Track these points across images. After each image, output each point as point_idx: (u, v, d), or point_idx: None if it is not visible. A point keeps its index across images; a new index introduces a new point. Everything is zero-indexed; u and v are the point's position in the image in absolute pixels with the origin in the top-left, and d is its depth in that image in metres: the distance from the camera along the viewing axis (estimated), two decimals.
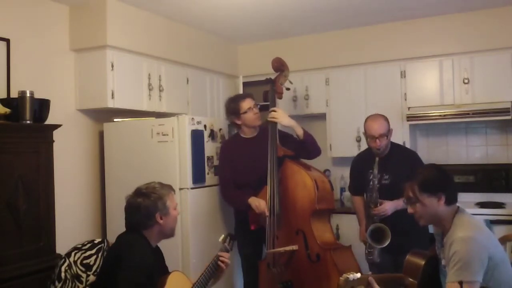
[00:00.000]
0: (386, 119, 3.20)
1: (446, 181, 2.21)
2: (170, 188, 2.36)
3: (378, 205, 3.04)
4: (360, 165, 3.33)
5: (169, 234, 2.34)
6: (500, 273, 2.01)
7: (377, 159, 3.09)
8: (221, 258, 2.43)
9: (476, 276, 1.95)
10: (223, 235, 2.61)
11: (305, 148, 3.33)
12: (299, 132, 3.31)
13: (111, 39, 3.43)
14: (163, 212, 2.25)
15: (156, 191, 2.28)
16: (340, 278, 1.93)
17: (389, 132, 3.16)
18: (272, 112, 3.32)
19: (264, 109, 3.45)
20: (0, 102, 2.82)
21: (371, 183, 3.09)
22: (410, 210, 2.24)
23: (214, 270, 2.41)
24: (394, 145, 3.27)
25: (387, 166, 3.12)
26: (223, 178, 3.47)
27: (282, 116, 3.32)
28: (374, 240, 3.02)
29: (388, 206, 3.03)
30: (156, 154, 3.47)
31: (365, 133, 3.21)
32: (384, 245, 2.98)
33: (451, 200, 2.17)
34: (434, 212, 2.17)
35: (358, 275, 1.94)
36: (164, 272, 2.37)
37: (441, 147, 4.38)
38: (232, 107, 3.45)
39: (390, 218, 3.02)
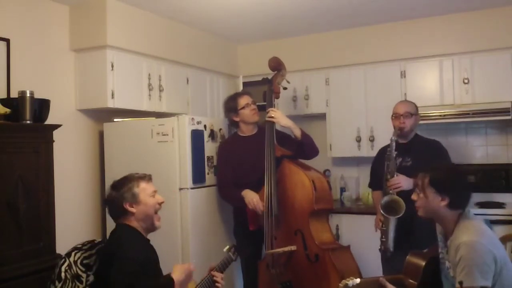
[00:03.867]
0: (415, 105, 3.31)
1: (456, 186, 2.18)
2: (142, 176, 2.36)
3: (395, 175, 3.02)
4: (381, 155, 3.30)
5: (147, 223, 2.30)
6: (504, 276, 2.00)
7: (398, 132, 3.12)
8: (215, 279, 2.42)
9: (480, 281, 1.94)
10: (228, 246, 2.63)
11: (303, 148, 3.33)
12: (297, 133, 3.31)
13: (111, 39, 3.43)
14: (132, 200, 2.27)
15: (124, 181, 2.32)
16: (339, 284, 1.92)
17: (415, 115, 3.23)
18: (270, 112, 3.32)
19: (263, 109, 3.44)
20: (0, 102, 2.82)
21: (388, 152, 3.08)
22: (413, 196, 2.25)
23: (209, 285, 2.42)
24: (417, 135, 3.31)
25: (409, 150, 3.14)
26: (221, 177, 3.48)
27: (280, 116, 3.32)
28: (388, 213, 2.96)
29: (403, 179, 2.99)
30: (156, 154, 3.47)
31: (392, 115, 3.25)
32: (398, 215, 2.92)
33: (456, 206, 2.15)
34: (434, 209, 2.17)
35: (358, 280, 1.92)
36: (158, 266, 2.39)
37: None
38: (230, 104, 3.48)
39: (409, 213, 2.90)
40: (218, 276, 2.43)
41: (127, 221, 2.30)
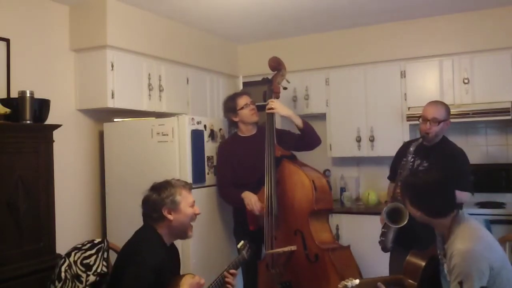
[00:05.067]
0: (446, 108, 3.10)
1: (426, 198, 2.10)
2: (184, 185, 2.33)
3: None
4: (404, 149, 3.18)
5: (181, 231, 2.29)
6: (502, 280, 1.99)
7: (420, 139, 3.01)
8: (227, 279, 2.41)
9: (478, 283, 1.92)
10: (242, 242, 2.59)
11: (305, 138, 3.33)
12: (298, 121, 3.31)
13: (111, 39, 3.43)
14: (172, 207, 2.23)
15: (167, 186, 2.27)
16: (338, 286, 1.92)
17: (443, 121, 3.04)
18: (270, 103, 3.31)
19: (263, 109, 3.44)
20: (0, 102, 2.82)
21: (403, 161, 3.00)
22: None
23: (220, 286, 2.41)
24: (446, 140, 3.14)
25: (430, 155, 3.03)
26: (223, 178, 3.48)
27: (279, 106, 3.32)
28: (390, 219, 2.92)
29: None
30: (156, 154, 3.47)
31: (420, 117, 3.12)
32: (398, 226, 2.88)
33: (435, 215, 2.11)
34: (415, 217, 2.17)
35: (357, 281, 1.92)
36: (176, 271, 2.37)
37: None
38: (229, 104, 3.49)
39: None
40: (230, 277, 2.41)
41: (156, 225, 2.25)
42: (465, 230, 2.07)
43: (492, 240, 2.11)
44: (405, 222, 2.86)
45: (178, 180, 2.36)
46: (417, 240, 2.80)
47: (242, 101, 3.43)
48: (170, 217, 2.23)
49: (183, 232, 2.31)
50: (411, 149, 2.99)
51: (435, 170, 2.21)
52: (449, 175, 2.20)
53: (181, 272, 2.44)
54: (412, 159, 3.06)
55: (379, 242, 3.07)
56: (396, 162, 3.30)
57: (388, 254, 3.13)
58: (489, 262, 1.96)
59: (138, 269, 2.08)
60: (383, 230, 3.02)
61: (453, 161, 3.03)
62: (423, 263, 2.19)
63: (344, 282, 1.93)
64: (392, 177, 3.38)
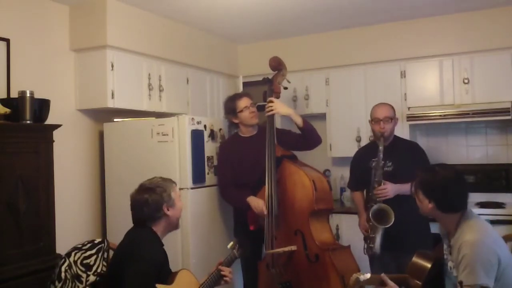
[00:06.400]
0: (392, 107, 3.29)
1: (441, 191, 2.13)
2: (171, 181, 2.42)
3: (382, 184, 3.03)
4: (362, 156, 3.33)
5: (175, 225, 2.39)
6: (507, 277, 1.99)
7: (382, 139, 3.10)
8: (222, 273, 2.44)
9: (482, 279, 1.93)
10: (232, 242, 2.61)
11: (305, 136, 3.33)
12: (298, 120, 3.30)
13: (111, 39, 3.43)
14: (170, 203, 2.31)
15: (160, 184, 2.34)
16: (351, 277, 1.92)
17: (394, 118, 3.22)
18: (269, 104, 3.30)
19: (264, 109, 3.44)
20: (0, 102, 2.82)
21: (375, 163, 3.08)
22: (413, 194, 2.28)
23: (217, 279, 2.43)
24: (396, 137, 3.32)
25: (390, 154, 3.13)
26: (223, 178, 3.48)
27: (279, 106, 3.30)
28: (377, 221, 2.99)
29: (390, 187, 3.02)
30: (156, 154, 3.47)
31: (371, 119, 3.25)
32: (388, 225, 2.94)
33: (445, 209, 2.13)
34: (426, 210, 2.18)
35: (368, 275, 1.93)
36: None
37: (441, 147, 4.38)
38: (229, 106, 3.47)
39: (397, 218, 2.96)
40: (226, 270, 2.44)
41: (153, 225, 2.29)
42: (473, 225, 2.08)
43: (499, 236, 2.12)
44: (393, 220, 2.93)
45: (163, 178, 2.42)
46: (404, 243, 2.85)
47: (242, 103, 3.42)
48: (169, 213, 2.31)
49: (175, 226, 2.39)
50: (380, 148, 3.07)
51: (450, 167, 2.24)
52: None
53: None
54: (373, 163, 3.13)
55: (366, 250, 3.15)
56: (356, 171, 3.36)
57: None
58: (498, 256, 1.97)
59: (141, 265, 2.10)
60: (371, 236, 3.07)
61: (415, 154, 3.19)
62: (429, 265, 2.18)
63: (356, 275, 1.93)
64: (353, 185, 3.42)
